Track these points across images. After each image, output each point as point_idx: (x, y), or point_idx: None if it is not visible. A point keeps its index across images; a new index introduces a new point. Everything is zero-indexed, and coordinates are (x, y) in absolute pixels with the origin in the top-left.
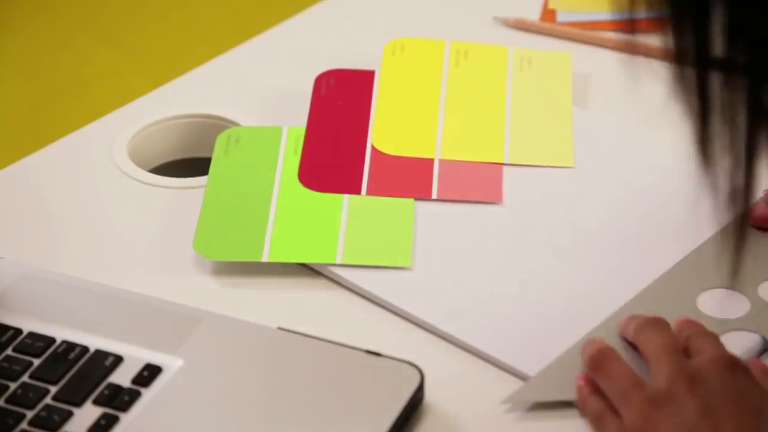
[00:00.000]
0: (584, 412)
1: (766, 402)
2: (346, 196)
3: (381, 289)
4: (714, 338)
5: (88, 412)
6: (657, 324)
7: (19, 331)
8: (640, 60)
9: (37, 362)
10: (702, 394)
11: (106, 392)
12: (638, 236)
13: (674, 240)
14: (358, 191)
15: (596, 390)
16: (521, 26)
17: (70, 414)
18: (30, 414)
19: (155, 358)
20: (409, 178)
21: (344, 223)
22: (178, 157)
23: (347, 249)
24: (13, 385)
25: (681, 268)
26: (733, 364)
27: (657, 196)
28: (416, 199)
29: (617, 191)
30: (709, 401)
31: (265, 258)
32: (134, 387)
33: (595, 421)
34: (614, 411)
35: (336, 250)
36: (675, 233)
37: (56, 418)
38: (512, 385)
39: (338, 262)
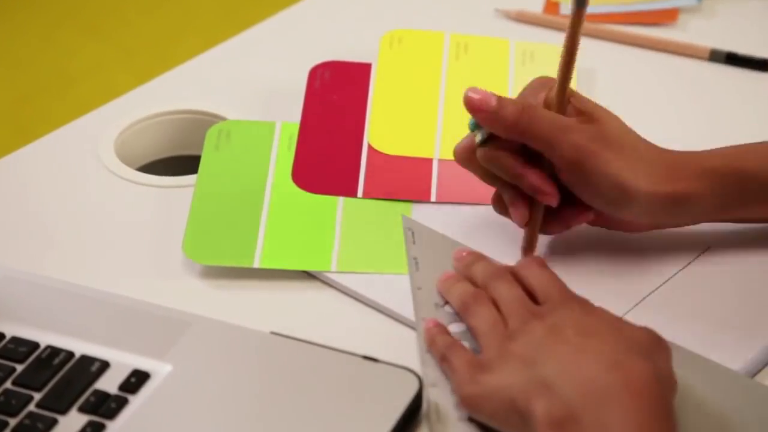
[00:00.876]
0: (433, 349)
1: (597, 319)
2: (341, 198)
3: (378, 293)
4: (542, 270)
5: (74, 420)
6: (503, 275)
7: (1, 336)
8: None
9: (20, 368)
10: (549, 321)
11: (92, 399)
12: (643, 239)
13: (678, 241)
14: (354, 194)
15: (443, 331)
16: (523, 18)
17: (54, 422)
18: (13, 422)
19: (143, 364)
20: (406, 179)
21: (339, 227)
22: (167, 154)
23: (342, 256)
24: None
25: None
26: (570, 295)
27: None
28: (415, 202)
29: None
30: (555, 322)
31: (256, 264)
32: (121, 394)
33: (443, 354)
34: (460, 346)
35: (331, 256)
36: (679, 234)
37: (40, 426)
38: None
39: (333, 269)
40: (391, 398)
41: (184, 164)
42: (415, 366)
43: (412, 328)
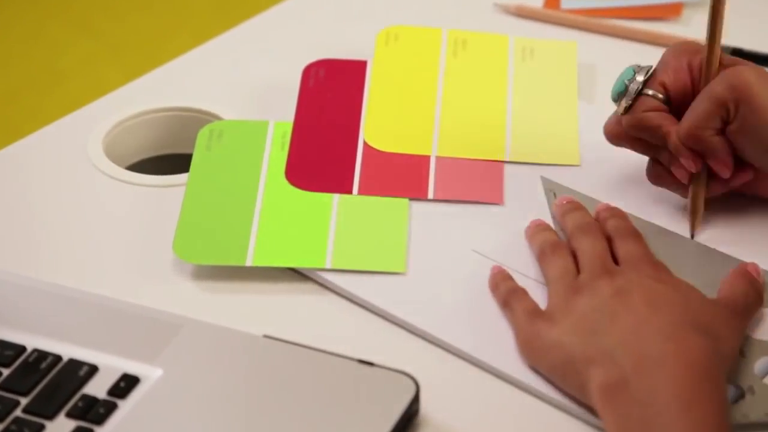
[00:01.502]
0: (495, 294)
1: (667, 288)
2: (336, 195)
3: (373, 294)
4: (636, 236)
5: (61, 426)
6: (592, 229)
7: None
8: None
9: (6, 372)
10: (618, 283)
11: (81, 404)
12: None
13: (687, 241)
14: (348, 190)
15: (507, 277)
16: (523, 13)
17: (41, 427)
18: None
19: (132, 368)
20: (403, 176)
21: (334, 224)
22: (157, 153)
23: (337, 253)
24: None
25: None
26: (649, 260)
27: (670, 196)
28: (411, 199)
29: (627, 192)
30: (623, 285)
31: (249, 262)
32: (110, 399)
33: (505, 299)
34: (523, 292)
35: (325, 253)
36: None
37: (27, 431)
38: (513, 396)
39: (328, 266)
40: (388, 403)
41: (174, 163)
42: (412, 370)
43: (408, 330)
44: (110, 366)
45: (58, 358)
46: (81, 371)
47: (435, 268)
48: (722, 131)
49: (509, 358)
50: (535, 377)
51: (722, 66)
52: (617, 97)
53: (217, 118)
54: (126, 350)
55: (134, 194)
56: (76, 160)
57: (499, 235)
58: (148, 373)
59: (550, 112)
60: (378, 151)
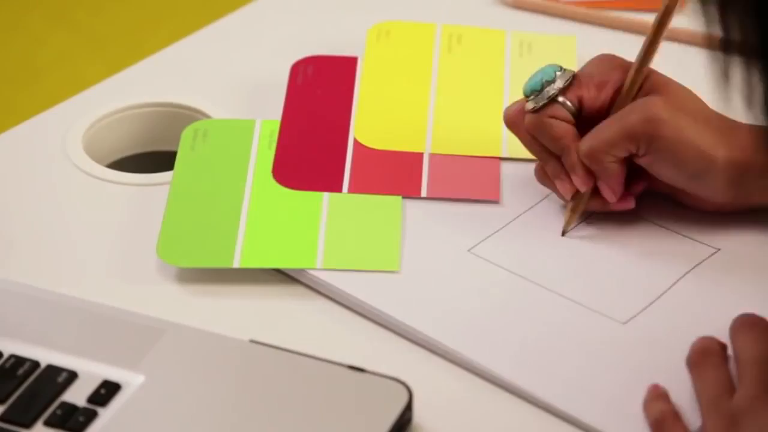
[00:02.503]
0: (645, 412)
1: None
2: (326, 194)
3: (366, 293)
4: None
5: None
6: (755, 327)
7: None
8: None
9: None
10: None
11: (59, 412)
12: (653, 239)
13: (692, 241)
14: (339, 189)
15: (660, 396)
16: (521, 5)
17: None
18: None
19: (113, 375)
20: (395, 174)
21: (324, 224)
22: (139, 150)
23: (328, 253)
24: None
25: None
26: None
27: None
28: (404, 197)
29: None
30: None
31: (236, 264)
32: (90, 406)
33: (655, 425)
34: (676, 417)
35: (315, 253)
36: (694, 231)
37: None
38: (511, 403)
39: (318, 266)
40: (379, 411)
41: (157, 161)
42: (405, 376)
43: (401, 335)
44: (90, 372)
45: (35, 364)
46: (60, 378)
47: (429, 268)
48: (623, 160)
49: (506, 363)
50: (533, 383)
51: (645, 88)
52: (530, 93)
53: (201, 113)
54: (107, 356)
55: (116, 193)
56: (54, 158)
57: (496, 235)
58: (130, 379)
59: None
60: (369, 149)
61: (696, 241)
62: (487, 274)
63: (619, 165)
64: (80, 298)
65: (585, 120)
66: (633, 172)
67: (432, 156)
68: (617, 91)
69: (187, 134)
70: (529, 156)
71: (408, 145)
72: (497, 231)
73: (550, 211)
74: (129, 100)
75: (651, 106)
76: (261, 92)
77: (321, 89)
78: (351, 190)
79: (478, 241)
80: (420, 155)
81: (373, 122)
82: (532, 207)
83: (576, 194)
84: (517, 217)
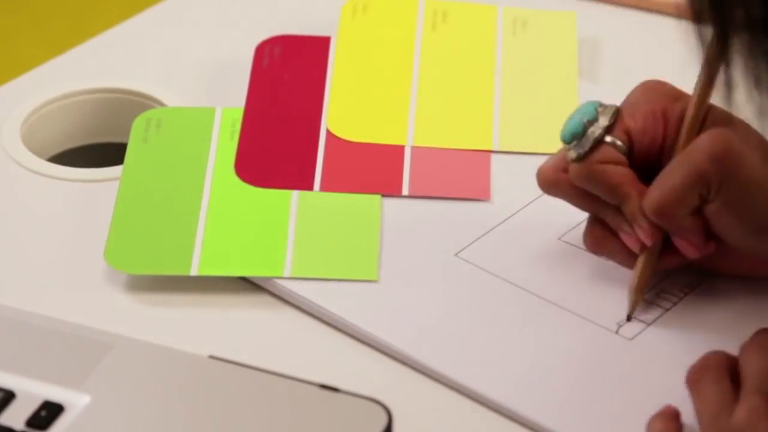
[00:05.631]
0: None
1: None
2: (295, 192)
3: (340, 306)
4: None
5: None
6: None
7: None
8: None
9: None
10: None
11: None
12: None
13: None
14: (310, 186)
15: (664, 415)
16: None
17: None
18: None
19: (55, 395)
20: (373, 170)
21: (293, 226)
22: (84, 142)
23: (297, 259)
24: None
25: None
26: None
27: None
28: (383, 195)
29: None
30: None
31: (194, 271)
32: (29, 430)
33: None
34: None
35: (283, 260)
36: None
37: None
38: (498, 424)
39: (286, 275)
40: None
41: (105, 154)
42: (384, 397)
43: (380, 350)
44: (29, 392)
45: None
46: None
47: (411, 276)
48: (698, 210)
49: (497, 384)
50: (528, 405)
51: (708, 123)
52: (571, 139)
53: (155, 101)
54: (47, 374)
55: (58, 190)
56: None
57: (486, 237)
58: (74, 400)
59: (546, 94)
60: (343, 140)
61: None
62: (476, 282)
63: (695, 218)
64: (17, 308)
65: (639, 160)
66: None
67: (414, 149)
68: (676, 122)
69: (138, 124)
70: (523, 149)
71: (387, 136)
72: (487, 233)
73: (545, 211)
74: (73, 85)
75: (722, 139)
76: (222, 77)
77: (289, 73)
78: (323, 188)
79: (466, 244)
80: (401, 148)
81: (347, 111)
82: (526, 206)
83: (643, 257)
84: (510, 217)
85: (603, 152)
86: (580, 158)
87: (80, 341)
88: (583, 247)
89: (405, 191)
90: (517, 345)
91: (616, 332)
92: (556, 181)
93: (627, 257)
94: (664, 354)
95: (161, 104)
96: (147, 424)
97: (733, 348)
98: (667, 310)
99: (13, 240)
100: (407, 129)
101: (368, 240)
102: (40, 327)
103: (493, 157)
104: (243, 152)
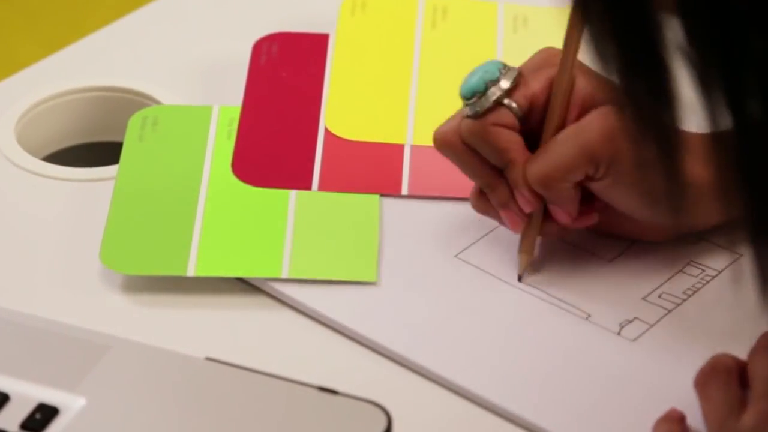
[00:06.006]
0: None
1: None
2: (293, 192)
3: (338, 309)
4: None
5: None
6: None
7: None
8: None
9: None
10: None
11: None
12: (668, 242)
13: (711, 245)
14: (308, 186)
15: (670, 418)
16: None
17: None
18: None
19: (50, 397)
20: (372, 169)
21: (291, 226)
22: (80, 141)
23: (295, 260)
24: None
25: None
26: None
27: None
28: (382, 195)
29: None
30: None
31: (190, 272)
32: None
33: None
34: None
35: (281, 261)
36: (711, 233)
37: None
38: (499, 427)
39: (284, 276)
40: None
41: (101, 153)
42: (383, 399)
43: (378, 352)
44: (24, 395)
45: None
46: None
47: (411, 277)
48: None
49: (497, 386)
50: (530, 408)
51: (582, 96)
52: (471, 96)
53: (152, 99)
54: (43, 376)
55: (53, 190)
56: None
57: (487, 238)
58: (69, 402)
59: None
60: (342, 139)
61: (716, 245)
62: (477, 283)
63: (575, 190)
64: (12, 309)
65: (529, 125)
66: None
67: (414, 148)
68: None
69: (134, 123)
70: None
71: (386, 135)
72: (488, 233)
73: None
74: (68, 83)
75: (612, 119)
76: (219, 74)
77: (287, 71)
78: (321, 188)
79: (467, 245)
80: (400, 147)
81: (346, 109)
82: None
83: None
84: None
85: (499, 114)
86: (476, 116)
87: (75, 343)
88: (585, 247)
89: (404, 191)
90: (518, 347)
91: (618, 333)
92: (450, 142)
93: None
94: (667, 355)
95: (157, 102)
96: (143, 427)
97: (735, 349)
98: (670, 311)
99: (7, 240)
100: (407, 128)
101: (367, 241)
102: (35, 328)
103: None
104: (240, 151)
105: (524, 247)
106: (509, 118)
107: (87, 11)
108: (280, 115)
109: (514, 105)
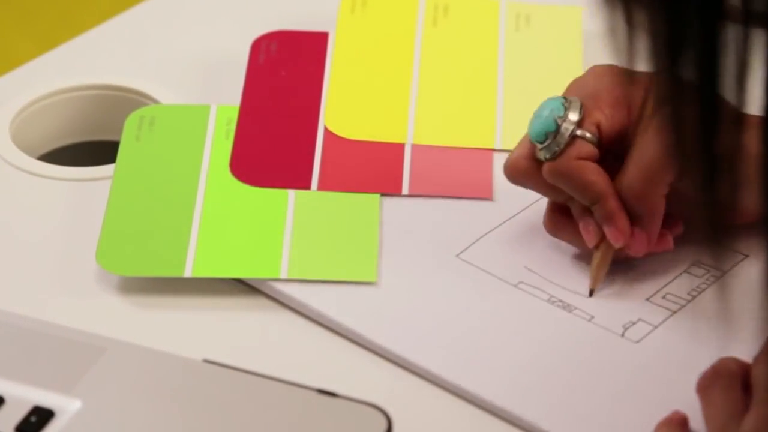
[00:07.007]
0: None
1: None
2: (292, 192)
3: (337, 310)
4: None
5: None
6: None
7: None
8: None
9: None
10: None
11: None
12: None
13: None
14: (307, 186)
15: (672, 422)
16: None
17: None
18: None
19: (45, 400)
20: (373, 168)
21: (290, 226)
22: (76, 140)
23: (294, 260)
24: None
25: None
26: None
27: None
28: (382, 195)
29: None
30: None
31: (188, 273)
32: None
33: None
34: None
35: (279, 261)
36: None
37: None
38: (501, 429)
39: (283, 276)
40: None
41: (97, 152)
42: (383, 401)
43: (378, 354)
44: (19, 397)
45: None
46: None
47: (411, 278)
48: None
49: (499, 388)
50: (528, 409)
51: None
52: (544, 138)
53: (149, 98)
54: (38, 378)
55: (48, 190)
56: None
57: (488, 237)
58: (64, 405)
59: (549, 91)
60: (342, 138)
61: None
62: (478, 284)
63: (664, 200)
64: (7, 311)
65: (607, 155)
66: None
67: (414, 147)
68: (634, 106)
69: (131, 122)
70: None
71: (387, 134)
72: (489, 233)
73: None
74: (64, 81)
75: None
76: (217, 73)
77: (286, 69)
78: (321, 187)
79: (468, 245)
80: (401, 146)
81: (346, 108)
82: (529, 206)
83: (602, 247)
84: (513, 217)
85: (577, 147)
86: (555, 156)
87: (71, 345)
88: (588, 248)
89: (405, 190)
90: (520, 348)
91: (622, 335)
92: (526, 171)
93: (584, 242)
94: (671, 357)
95: (155, 101)
96: (139, 429)
97: (739, 353)
98: (674, 312)
99: (2, 241)
100: (407, 127)
101: (367, 240)
102: (30, 330)
103: (496, 155)
104: (239, 151)
105: (596, 275)
106: (588, 148)
107: (83, 8)
108: (279, 114)
109: (588, 135)
